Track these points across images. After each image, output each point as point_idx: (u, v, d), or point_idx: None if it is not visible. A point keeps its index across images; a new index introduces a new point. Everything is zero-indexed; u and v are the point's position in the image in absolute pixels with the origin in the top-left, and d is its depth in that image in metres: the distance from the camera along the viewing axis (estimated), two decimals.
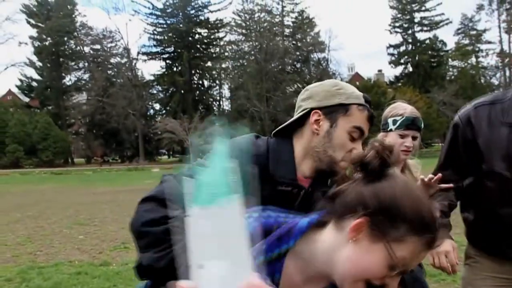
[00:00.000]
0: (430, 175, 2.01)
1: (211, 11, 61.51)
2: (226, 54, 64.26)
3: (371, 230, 0.97)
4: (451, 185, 2.02)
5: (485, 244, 2.14)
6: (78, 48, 62.89)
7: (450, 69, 64.08)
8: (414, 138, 2.42)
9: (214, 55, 63.05)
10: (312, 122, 1.50)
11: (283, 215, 1.12)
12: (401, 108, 2.46)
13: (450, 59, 63.56)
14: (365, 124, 1.53)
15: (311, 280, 1.07)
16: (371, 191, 0.98)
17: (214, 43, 63.17)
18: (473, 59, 62.76)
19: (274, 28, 63.70)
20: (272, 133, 1.59)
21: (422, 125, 2.47)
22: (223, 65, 64.90)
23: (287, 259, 1.07)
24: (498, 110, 2.03)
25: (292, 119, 1.56)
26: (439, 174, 1.98)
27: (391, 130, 2.43)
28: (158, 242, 1.22)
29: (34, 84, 61.62)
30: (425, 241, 0.96)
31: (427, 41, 61.97)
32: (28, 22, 60.53)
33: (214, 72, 64.20)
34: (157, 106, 64.11)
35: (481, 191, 2.07)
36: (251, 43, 62.51)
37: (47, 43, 60.46)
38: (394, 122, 2.42)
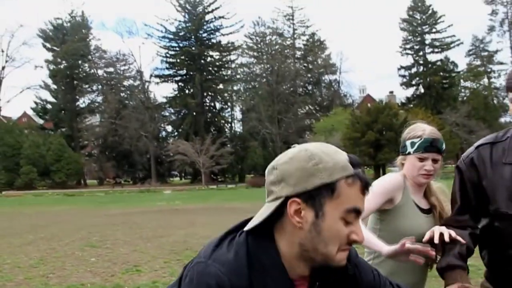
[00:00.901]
0: (451, 234, 1.99)
1: (223, 34, 62.23)
2: (238, 76, 64.78)
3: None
4: (464, 241, 2.02)
5: (500, 285, 2.10)
6: (92, 71, 63.80)
7: (462, 90, 63.86)
8: (435, 161, 2.28)
9: (226, 78, 63.54)
10: (291, 214, 1.16)
11: None
12: (420, 130, 2.32)
13: (462, 80, 63.40)
14: (360, 200, 1.21)
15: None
16: None
17: (226, 65, 63.73)
18: (485, 80, 62.56)
19: (286, 51, 64.20)
20: (245, 229, 1.22)
21: (444, 146, 2.33)
22: (235, 87, 65.38)
23: None
24: (500, 150, 2.01)
25: (265, 212, 1.19)
26: (452, 234, 1.97)
27: (409, 153, 2.30)
28: None
29: (49, 106, 62.46)
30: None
31: (439, 63, 61.95)
32: (44, 46, 61.69)
33: (226, 94, 64.62)
34: (169, 128, 64.59)
35: (492, 233, 2.06)
36: (262, 65, 62.99)
37: (62, 66, 61.43)
38: (412, 144, 2.29)
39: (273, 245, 1.18)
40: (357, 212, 1.19)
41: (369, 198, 2.16)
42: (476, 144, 2.10)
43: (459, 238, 1.97)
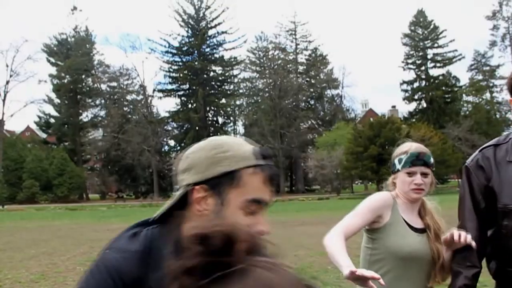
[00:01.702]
0: (458, 233, 2.04)
1: (226, 49, 62.58)
2: (241, 91, 64.99)
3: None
4: (473, 244, 2.05)
5: None
6: (96, 85, 64.09)
7: (465, 105, 63.89)
8: (424, 174, 2.28)
9: (228, 92, 63.77)
10: (194, 201, 1.17)
11: None
12: (406, 146, 2.36)
13: (464, 95, 63.46)
14: (263, 191, 1.19)
15: None
16: None
17: (229, 80, 64.01)
18: (488, 95, 62.62)
19: (288, 66, 64.47)
20: (150, 219, 1.26)
21: (431, 160, 2.33)
22: (238, 102, 65.55)
23: None
24: (503, 150, 2.11)
25: (172, 200, 1.21)
26: (468, 238, 2.01)
27: (398, 170, 2.33)
28: None
29: (52, 120, 62.66)
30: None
31: (441, 77, 62.10)
32: (48, 61, 62.08)
33: (228, 109, 64.79)
34: (171, 143, 64.68)
35: (500, 234, 2.08)
36: (265, 80, 63.22)
37: (65, 80, 61.74)
38: (400, 161, 2.32)
39: (177, 234, 1.15)
40: (259, 202, 1.18)
41: (357, 214, 2.22)
42: (480, 148, 2.18)
43: (473, 243, 2.02)
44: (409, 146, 2.35)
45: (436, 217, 2.39)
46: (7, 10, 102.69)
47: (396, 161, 2.35)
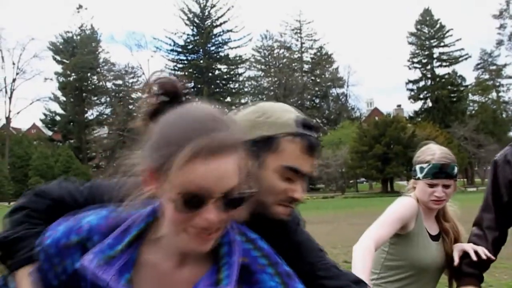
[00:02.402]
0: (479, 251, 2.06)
1: (231, 48, 62.61)
2: (246, 89, 65.04)
3: (159, 177, 0.90)
4: (492, 257, 2.06)
5: None
6: (101, 83, 64.25)
7: (471, 104, 63.68)
8: (446, 186, 2.19)
9: (233, 91, 63.81)
10: None
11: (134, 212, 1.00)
12: (429, 154, 2.23)
13: (470, 94, 63.23)
14: (300, 160, 1.20)
15: (187, 262, 0.99)
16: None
17: (234, 78, 64.04)
18: (494, 94, 62.36)
19: (293, 64, 64.43)
20: None
21: (455, 170, 2.22)
22: (243, 100, 65.51)
23: (143, 247, 0.99)
24: None
25: None
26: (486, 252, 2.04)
27: (419, 178, 2.23)
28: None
29: (58, 118, 62.88)
30: (199, 147, 0.86)
31: (446, 76, 61.88)
32: (54, 59, 62.28)
33: (233, 107, 64.68)
34: None
35: None
36: (270, 78, 63.23)
37: (71, 78, 61.95)
38: (421, 170, 2.21)
39: None
40: (295, 171, 1.19)
41: (386, 224, 2.15)
42: (511, 143, 2.17)
43: (486, 254, 2.05)
44: (432, 155, 2.21)
45: (456, 223, 2.33)
46: (14, 9, 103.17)
47: (417, 168, 2.25)
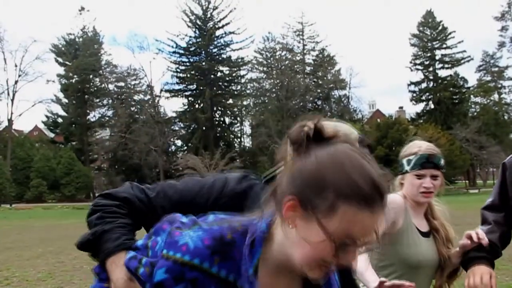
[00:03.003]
0: (479, 232, 2.03)
1: (233, 50, 62.55)
2: (248, 91, 64.98)
3: (303, 209, 0.93)
4: (487, 241, 2.04)
5: None
6: (103, 85, 64.32)
7: (473, 106, 63.60)
8: (434, 177, 2.20)
9: (235, 93, 63.78)
10: None
11: (234, 219, 1.06)
12: (416, 146, 2.26)
13: (472, 96, 63.15)
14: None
15: (284, 276, 1.05)
16: (296, 168, 0.95)
17: (236, 80, 64.01)
18: (496, 96, 62.29)
19: (295, 66, 64.39)
20: None
21: (442, 161, 2.24)
22: (245, 102, 65.54)
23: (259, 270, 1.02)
24: None
25: None
26: (483, 236, 2.01)
27: (406, 171, 2.24)
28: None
29: (60, 120, 63.01)
30: (363, 205, 0.91)
31: (448, 78, 61.80)
32: (57, 61, 62.41)
33: (235, 109, 64.81)
34: (178, 143, 64.75)
35: None
36: (272, 80, 63.19)
37: (73, 80, 62.07)
38: (408, 162, 2.23)
39: None
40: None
41: None
42: None
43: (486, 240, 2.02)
44: (419, 147, 2.25)
45: (445, 223, 2.33)
46: (17, 10, 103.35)
47: (404, 161, 2.26)
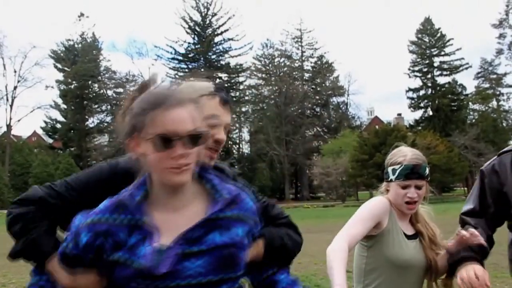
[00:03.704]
0: (471, 231, 2.01)
1: (232, 56, 62.70)
2: (246, 98, 65.07)
3: (136, 139, 1.32)
4: (484, 242, 2.03)
5: None
6: (102, 91, 64.39)
7: (471, 113, 63.73)
8: (418, 187, 2.22)
9: (234, 99, 63.81)
10: None
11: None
12: (401, 155, 2.28)
13: (470, 103, 63.30)
14: (217, 110, 1.59)
15: (175, 210, 1.35)
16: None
17: (234, 87, 64.09)
18: (494, 103, 62.44)
19: (294, 73, 64.52)
20: None
21: (427, 171, 2.24)
22: (243, 109, 65.58)
23: (149, 211, 1.34)
24: None
25: None
26: (476, 233, 1.99)
27: (391, 180, 2.27)
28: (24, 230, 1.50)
29: (58, 126, 62.97)
30: (163, 105, 1.27)
31: (447, 85, 61.97)
32: (55, 67, 62.43)
33: (234, 116, 64.83)
34: None
35: None
36: (270, 87, 63.30)
37: (72, 86, 62.09)
38: (394, 171, 2.25)
39: None
40: (214, 117, 1.62)
41: (359, 222, 2.17)
42: (498, 153, 2.18)
43: (481, 240, 2.00)
44: (404, 156, 2.26)
45: (429, 223, 2.34)
46: (16, 16, 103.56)
47: (390, 170, 2.29)
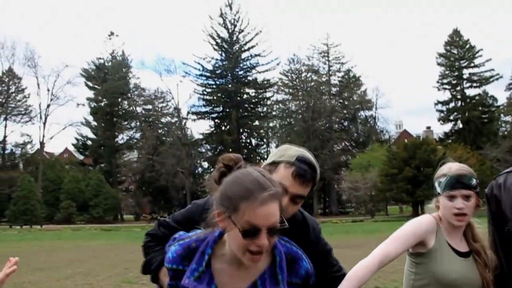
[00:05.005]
0: None
1: (259, 72, 62.99)
2: (274, 113, 65.15)
3: (223, 215, 1.46)
4: None
5: None
6: (131, 108, 65.44)
7: (503, 125, 62.40)
8: (465, 197, 2.16)
9: (261, 114, 64.01)
10: None
11: (199, 232, 1.62)
12: (446, 168, 2.25)
13: (502, 115, 62.00)
14: (288, 180, 1.80)
15: (240, 268, 1.53)
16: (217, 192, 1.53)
17: (262, 102, 64.30)
18: None
19: (321, 87, 64.41)
20: None
21: (474, 181, 2.19)
22: (271, 124, 65.66)
23: (213, 263, 1.56)
24: None
25: None
26: None
27: (439, 194, 2.23)
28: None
29: (89, 142, 64.19)
30: (253, 200, 1.40)
31: (477, 97, 60.87)
32: (86, 85, 63.87)
33: (261, 131, 64.99)
34: (205, 165, 65.06)
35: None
36: (298, 102, 63.28)
37: (102, 104, 63.37)
38: (440, 184, 2.22)
39: None
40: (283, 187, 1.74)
41: (398, 239, 2.15)
42: (494, 176, 2.28)
43: None
44: (449, 168, 2.23)
45: (485, 244, 2.26)
46: (49, 37, 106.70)
47: (436, 184, 2.26)
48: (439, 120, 63.08)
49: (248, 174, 1.49)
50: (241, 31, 61.60)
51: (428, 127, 74.79)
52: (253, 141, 65.65)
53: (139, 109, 66.01)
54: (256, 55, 62.23)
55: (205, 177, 60.19)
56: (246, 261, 1.46)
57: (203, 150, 65.40)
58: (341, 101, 66.30)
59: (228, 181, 1.49)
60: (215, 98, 61.96)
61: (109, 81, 61.69)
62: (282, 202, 1.65)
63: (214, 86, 62.34)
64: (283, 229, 1.50)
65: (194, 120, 64.40)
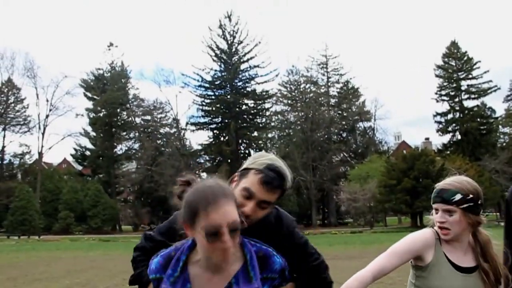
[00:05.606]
0: None
1: (258, 83, 63.09)
2: (272, 124, 65.22)
3: (187, 224, 1.64)
4: None
5: None
6: (130, 119, 65.47)
7: (501, 136, 62.52)
8: (447, 212, 2.15)
9: (260, 125, 64.06)
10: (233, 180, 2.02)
11: (181, 242, 1.77)
12: (441, 182, 2.26)
13: (500, 126, 62.15)
14: (255, 187, 1.89)
15: (215, 273, 1.68)
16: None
17: (261, 113, 64.34)
18: None
19: (320, 99, 64.59)
20: None
21: (456, 196, 2.14)
22: (269, 135, 65.73)
23: (189, 269, 1.71)
24: None
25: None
26: None
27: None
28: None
29: (88, 153, 64.11)
30: (206, 206, 1.57)
31: (475, 109, 61.07)
32: (85, 95, 63.91)
33: (260, 142, 64.98)
34: (204, 175, 64.90)
35: None
36: (297, 113, 63.42)
37: (101, 114, 63.37)
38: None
39: None
40: (249, 192, 1.91)
41: (394, 254, 2.18)
42: None
43: None
44: (443, 181, 2.24)
45: (501, 266, 2.21)
46: (48, 47, 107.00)
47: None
48: (437, 131, 63.27)
49: (203, 184, 1.67)
50: (240, 42, 61.84)
51: (427, 138, 74.93)
52: (252, 152, 65.52)
53: (138, 120, 66.09)
54: (255, 66, 62.43)
55: None
56: (216, 260, 1.60)
57: (202, 161, 65.37)
58: (339, 112, 66.45)
59: (188, 193, 1.66)
60: (214, 109, 62.05)
61: (108, 92, 61.77)
62: (249, 206, 1.87)
63: (213, 97, 62.45)
64: (250, 227, 1.68)
65: (193, 130, 64.44)
